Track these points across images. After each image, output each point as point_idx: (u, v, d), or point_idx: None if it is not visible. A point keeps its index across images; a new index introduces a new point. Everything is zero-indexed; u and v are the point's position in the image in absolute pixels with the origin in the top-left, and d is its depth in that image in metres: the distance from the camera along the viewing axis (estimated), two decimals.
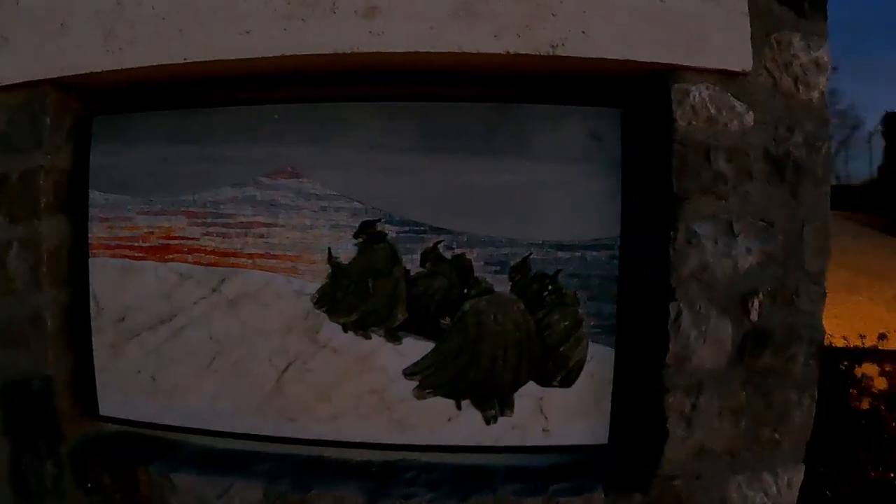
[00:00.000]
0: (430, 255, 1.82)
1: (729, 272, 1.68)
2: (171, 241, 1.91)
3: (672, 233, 1.66)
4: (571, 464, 1.83)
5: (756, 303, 1.68)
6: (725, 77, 1.65)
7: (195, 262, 1.90)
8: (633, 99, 1.77)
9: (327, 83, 1.82)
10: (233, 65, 1.71)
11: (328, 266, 1.85)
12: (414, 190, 1.81)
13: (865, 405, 2.29)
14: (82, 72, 1.72)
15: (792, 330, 1.69)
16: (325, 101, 1.84)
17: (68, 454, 1.83)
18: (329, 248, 1.85)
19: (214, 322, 1.90)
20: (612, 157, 1.77)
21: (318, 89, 1.84)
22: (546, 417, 1.82)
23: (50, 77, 1.75)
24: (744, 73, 1.65)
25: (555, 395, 1.82)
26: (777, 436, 1.70)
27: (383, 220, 1.83)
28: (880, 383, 2.51)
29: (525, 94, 1.79)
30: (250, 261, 1.89)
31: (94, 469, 1.83)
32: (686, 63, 1.63)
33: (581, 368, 1.81)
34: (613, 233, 1.78)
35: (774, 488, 1.72)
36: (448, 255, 1.81)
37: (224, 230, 1.89)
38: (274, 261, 1.88)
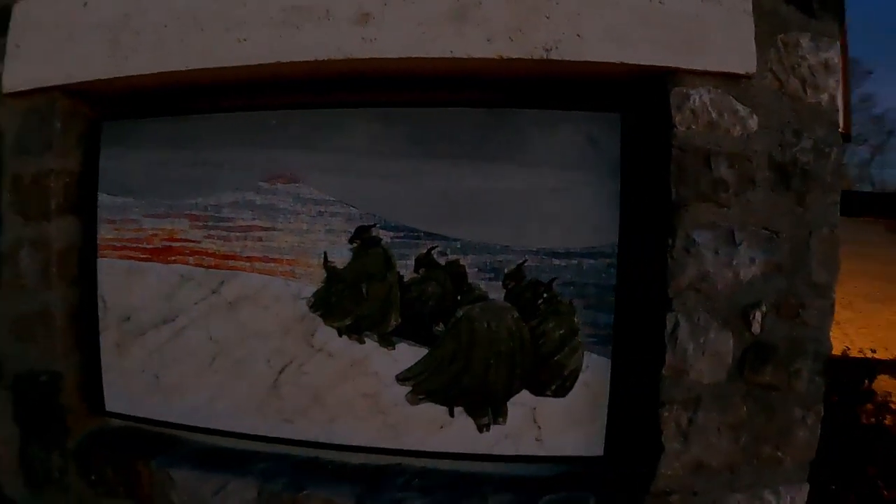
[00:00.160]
0: (423, 261, 1.81)
1: (730, 283, 1.61)
2: (174, 244, 1.96)
3: (670, 241, 1.61)
4: (565, 475, 1.80)
5: (758, 315, 1.61)
6: (728, 80, 1.59)
7: (196, 265, 1.95)
8: (632, 102, 1.72)
9: (323, 89, 1.83)
10: (231, 71, 1.74)
11: (324, 270, 1.87)
12: (408, 195, 1.80)
13: (889, 421, 2.17)
14: (88, 79, 1.79)
15: (796, 344, 1.62)
16: (322, 107, 1.85)
17: (73, 447, 1.90)
18: (325, 253, 1.86)
19: (214, 323, 1.94)
20: (611, 162, 1.73)
21: (314, 95, 1.85)
22: (540, 427, 1.80)
23: (59, 84, 1.82)
24: (747, 76, 1.58)
25: (549, 404, 1.79)
26: (779, 453, 1.63)
27: (378, 226, 1.83)
28: None
29: (521, 99, 1.76)
30: (249, 264, 1.92)
31: (98, 462, 1.90)
32: (685, 66, 1.57)
33: (576, 378, 1.78)
34: (611, 240, 1.74)
35: None
36: (442, 261, 1.80)
37: (224, 233, 1.93)
38: (272, 264, 1.90)
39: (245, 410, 1.92)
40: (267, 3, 1.67)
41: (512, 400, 1.80)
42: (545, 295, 1.77)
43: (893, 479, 1.84)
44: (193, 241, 1.95)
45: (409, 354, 1.84)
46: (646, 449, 1.68)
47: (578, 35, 1.57)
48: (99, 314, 1.98)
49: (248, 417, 1.92)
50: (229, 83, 1.83)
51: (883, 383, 2.28)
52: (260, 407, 1.91)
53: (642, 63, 1.57)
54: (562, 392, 1.78)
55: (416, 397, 1.83)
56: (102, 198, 1.98)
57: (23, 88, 1.84)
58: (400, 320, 1.84)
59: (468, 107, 1.77)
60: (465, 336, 1.81)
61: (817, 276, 1.62)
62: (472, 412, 1.82)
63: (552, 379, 1.78)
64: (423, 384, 1.83)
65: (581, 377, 1.77)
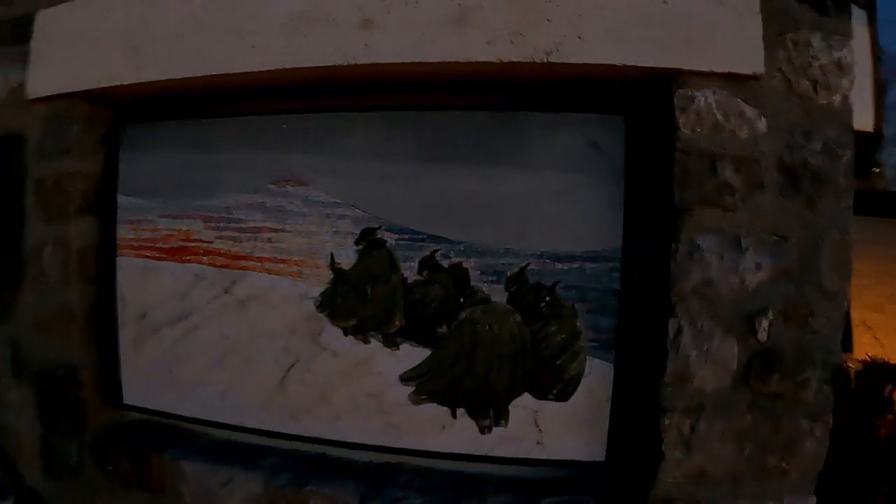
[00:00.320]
0: (427, 264, 1.82)
1: (735, 288, 1.58)
2: (189, 244, 2.02)
3: (673, 246, 1.58)
4: (565, 479, 1.79)
5: (765, 322, 1.57)
6: (734, 81, 1.55)
7: (210, 264, 2.01)
8: (635, 104, 1.69)
9: (330, 94, 1.85)
10: (241, 77, 1.79)
11: (330, 271, 1.90)
12: (412, 198, 1.82)
13: None
14: (107, 85, 1.86)
15: (804, 352, 1.57)
16: (329, 111, 1.88)
17: (91, 439, 1.99)
18: (331, 254, 1.89)
19: (225, 321, 2.00)
20: (614, 165, 1.71)
21: (322, 100, 1.88)
22: (541, 430, 1.79)
23: (80, 89, 1.90)
24: (755, 77, 1.53)
25: (551, 408, 1.79)
26: (785, 465, 1.59)
27: (383, 228, 1.85)
28: None
29: (523, 102, 1.75)
30: (259, 264, 1.97)
31: (114, 454, 1.98)
32: (690, 67, 1.54)
33: (578, 382, 1.77)
34: (615, 244, 1.72)
35: None
36: (445, 263, 1.81)
37: (236, 234, 1.98)
38: (281, 265, 1.95)
39: (254, 406, 1.98)
40: (274, 11, 1.70)
41: (514, 402, 1.80)
42: (547, 299, 1.76)
43: None
44: (207, 242, 2.01)
45: (412, 355, 1.86)
46: (648, 456, 1.66)
47: (579, 37, 1.55)
48: (118, 311, 2.07)
49: (257, 413, 1.97)
50: (240, 89, 1.87)
51: None
52: (268, 403, 1.96)
53: (645, 65, 1.54)
54: (564, 396, 1.78)
55: (418, 398, 1.85)
56: (122, 199, 2.06)
57: (45, 94, 1.93)
58: (404, 321, 1.86)
59: (471, 110, 1.78)
60: (468, 338, 1.82)
61: (828, 282, 1.56)
62: (474, 414, 1.83)
63: (554, 382, 1.78)
64: (426, 385, 1.85)
65: (583, 382, 1.76)
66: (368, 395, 1.88)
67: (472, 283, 1.80)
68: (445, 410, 1.84)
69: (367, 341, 1.89)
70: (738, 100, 1.55)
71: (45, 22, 1.92)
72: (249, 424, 1.99)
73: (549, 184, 1.75)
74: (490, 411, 1.82)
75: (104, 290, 2.05)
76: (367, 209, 1.86)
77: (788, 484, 1.60)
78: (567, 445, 1.78)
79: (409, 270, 1.84)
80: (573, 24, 1.55)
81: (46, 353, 1.99)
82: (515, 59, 1.57)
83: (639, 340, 1.71)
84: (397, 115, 1.83)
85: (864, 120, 2.22)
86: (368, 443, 1.90)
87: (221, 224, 1.99)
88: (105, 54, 1.86)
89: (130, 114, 2.07)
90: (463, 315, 1.81)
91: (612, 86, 1.68)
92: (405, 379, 1.86)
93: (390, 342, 1.87)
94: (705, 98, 1.56)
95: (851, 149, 1.54)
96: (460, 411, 1.84)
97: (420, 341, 1.86)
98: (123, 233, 2.06)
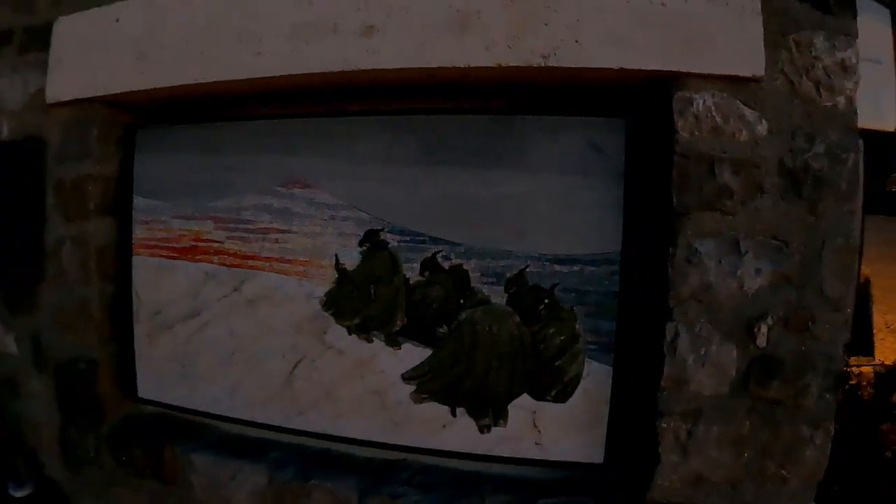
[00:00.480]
0: (428, 265, 1.85)
1: (734, 293, 1.56)
2: (200, 244, 2.08)
3: (671, 250, 1.58)
4: (563, 480, 1.81)
5: (764, 328, 1.55)
6: (734, 83, 1.53)
7: (220, 264, 2.07)
8: (635, 107, 1.68)
9: (334, 99, 1.90)
10: (246, 83, 1.83)
11: (335, 271, 1.94)
12: (414, 200, 1.85)
13: None
14: (118, 90, 1.92)
15: (805, 359, 1.55)
16: (334, 115, 1.92)
17: (107, 431, 2.08)
18: (336, 255, 1.93)
19: (235, 319, 2.05)
20: (614, 168, 1.71)
21: (327, 105, 1.92)
22: (540, 431, 1.80)
23: (95, 95, 1.97)
24: (755, 79, 1.51)
25: (550, 409, 1.80)
26: (784, 472, 1.57)
27: (386, 230, 1.88)
28: None
29: (523, 105, 1.76)
30: (267, 264, 2.02)
31: (129, 445, 2.06)
32: (689, 69, 1.53)
33: (577, 384, 1.77)
34: (614, 247, 1.72)
35: None
36: (446, 265, 1.83)
37: (245, 235, 2.04)
38: (287, 265, 2.00)
39: (261, 401, 2.03)
40: (279, 18, 1.74)
41: (513, 403, 1.82)
42: (546, 301, 1.77)
43: None
44: (217, 242, 2.07)
45: (414, 354, 1.89)
46: (647, 459, 1.66)
47: (577, 41, 1.55)
48: (133, 308, 2.15)
49: (265, 408, 2.03)
50: (247, 94, 1.92)
51: None
52: (275, 399, 2.02)
53: (644, 68, 1.53)
54: (562, 397, 1.79)
55: (419, 396, 1.88)
56: (137, 200, 2.14)
57: (63, 99, 2.00)
58: (405, 321, 1.89)
59: (471, 114, 1.79)
60: (468, 338, 1.84)
61: (830, 288, 1.54)
62: (474, 413, 1.85)
63: (553, 384, 1.79)
64: (427, 384, 1.88)
65: (582, 384, 1.77)
66: (371, 392, 1.92)
67: (473, 284, 1.82)
68: (446, 409, 1.87)
69: (370, 340, 1.93)
70: (738, 102, 1.54)
71: (62, 29, 2.00)
72: (257, 419, 2.04)
73: (548, 187, 1.75)
74: (489, 411, 1.84)
75: (120, 287, 2.13)
76: (371, 211, 1.90)
77: (788, 491, 1.58)
78: (565, 446, 1.79)
79: (411, 271, 1.87)
80: (571, 28, 1.55)
81: (66, 347, 2.09)
82: (514, 64, 1.58)
83: (638, 343, 1.71)
84: (399, 120, 1.85)
85: (886, 120, 2.16)
86: (371, 439, 1.94)
87: (231, 225, 2.05)
88: (114, 61, 1.93)
89: (145, 117, 2.14)
90: (463, 316, 1.84)
91: (612, 89, 1.67)
92: (407, 378, 1.89)
93: (392, 341, 1.90)
94: (704, 101, 1.54)
95: (856, 152, 1.51)
96: (460, 410, 1.86)
97: (421, 341, 1.89)
98: (138, 232, 2.13)
